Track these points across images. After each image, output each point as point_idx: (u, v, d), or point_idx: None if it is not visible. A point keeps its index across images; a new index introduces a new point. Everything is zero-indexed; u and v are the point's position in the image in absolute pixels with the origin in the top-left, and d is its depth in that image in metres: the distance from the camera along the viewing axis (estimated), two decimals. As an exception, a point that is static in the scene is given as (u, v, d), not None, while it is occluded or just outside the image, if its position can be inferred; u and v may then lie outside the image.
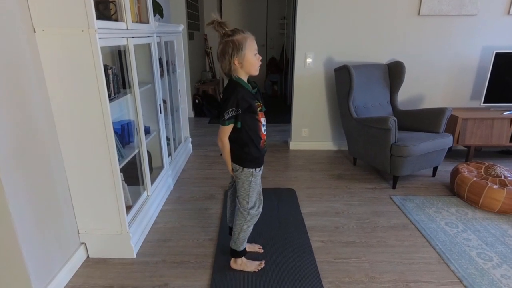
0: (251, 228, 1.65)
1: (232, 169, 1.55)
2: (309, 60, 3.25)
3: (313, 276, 1.66)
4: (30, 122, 1.38)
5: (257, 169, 1.55)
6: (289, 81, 5.45)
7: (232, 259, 1.71)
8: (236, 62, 1.37)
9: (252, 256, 1.78)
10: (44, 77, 1.45)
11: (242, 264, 1.70)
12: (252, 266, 1.70)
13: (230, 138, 1.48)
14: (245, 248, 1.69)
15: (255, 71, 1.42)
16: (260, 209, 1.65)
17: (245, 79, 1.43)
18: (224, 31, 1.35)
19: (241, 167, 1.51)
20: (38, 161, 1.43)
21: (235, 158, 1.51)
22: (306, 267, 1.72)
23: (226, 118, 1.39)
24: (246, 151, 1.48)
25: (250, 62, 1.38)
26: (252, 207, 1.60)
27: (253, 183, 1.55)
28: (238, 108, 1.38)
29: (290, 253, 1.83)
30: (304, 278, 1.64)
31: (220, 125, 1.43)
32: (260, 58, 1.42)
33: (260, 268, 1.70)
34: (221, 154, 1.55)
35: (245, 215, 1.60)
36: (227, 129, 1.44)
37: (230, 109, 1.37)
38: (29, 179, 1.37)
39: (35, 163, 1.41)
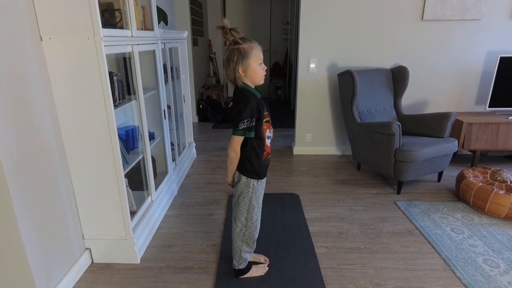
0: (253, 247, 1.64)
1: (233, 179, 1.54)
2: (312, 65, 3.25)
3: (317, 282, 1.65)
4: (36, 128, 1.40)
5: (258, 182, 1.51)
6: (292, 86, 5.47)
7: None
8: (240, 71, 1.36)
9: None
10: (50, 84, 1.47)
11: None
12: (258, 271, 1.70)
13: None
14: (248, 263, 1.69)
15: (260, 81, 1.41)
16: (258, 224, 1.61)
17: (252, 86, 1.42)
18: (231, 39, 1.34)
19: (240, 175, 1.49)
20: (44, 166, 1.45)
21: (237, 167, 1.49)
22: (310, 273, 1.71)
23: (241, 128, 1.36)
24: (247, 162, 1.46)
25: (254, 71, 1.37)
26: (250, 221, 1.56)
27: (254, 199, 1.52)
28: (253, 118, 1.37)
29: (294, 258, 1.83)
30: (308, 284, 1.63)
31: (234, 134, 1.39)
32: (265, 68, 1.41)
33: (265, 272, 1.70)
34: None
35: (243, 231, 1.57)
36: (241, 139, 1.41)
37: (246, 120, 1.35)
38: (35, 184, 1.39)
39: (40, 168, 1.43)
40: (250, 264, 1.70)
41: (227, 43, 1.37)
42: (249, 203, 1.53)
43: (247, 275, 1.68)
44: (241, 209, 1.55)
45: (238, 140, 1.41)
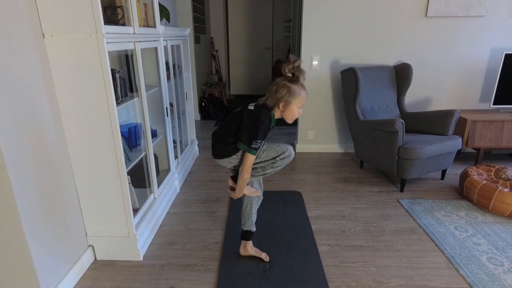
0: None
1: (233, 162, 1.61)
2: (315, 62, 3.24)
3: (319, 280, 1.64)
4: (38, 125, 1.40)
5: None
6: (295, 84, 5.44)
7: (243, 245, 1.80)
8: (280, 106, 1.48)
9: (255, 262, 1.78)
10: (52, 81, 1.47)
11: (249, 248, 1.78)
12: (261, 254, 1.78)
13: (228, 137, 1.54)
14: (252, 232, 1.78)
15: (290, 121, 1.55)
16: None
17: (276, 117, 1.54)
18: (288, 75, 1.47)
19: (233, 155, 1.57)
20: (47, 164, 1.45)
21: (231, 150, 1.56)
22: (313, 271, 1.71)
23: (253, 147, 1.47)
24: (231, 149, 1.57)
25: (291, 111, 1.50)
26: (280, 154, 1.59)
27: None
28: (262, 141, 1.50)
29: (296, 256, 1.82)
30: (310, 282, 1.63)
31: (242, 148, 1.51)
32: (301, 113, 1.54)
33: (266, 260, 1.78)
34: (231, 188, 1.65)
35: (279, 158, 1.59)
36: (253, 160, 1.52)
37: (260, 141, 1.48)
38: (38, 182, 1.39)
39: (43, 166, 1.43)
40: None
41: (283, 77, 1.49)
42: (261, 155, 1.57)
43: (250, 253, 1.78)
44: (265, 159, 1.59)
45: (251, 161, 1.52)
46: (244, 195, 1.67)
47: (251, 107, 1.53)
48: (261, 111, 1.50)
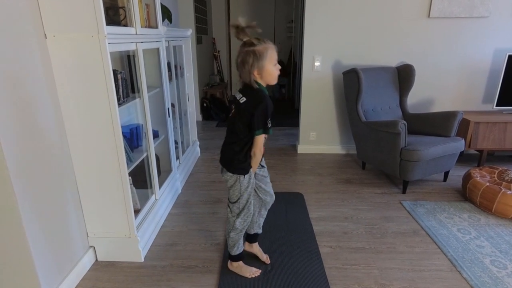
0: (240, 236, 1.65)
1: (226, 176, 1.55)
2: (317, 63, 3.23)
3: (321, 282, 1.63)
4: (40, 126, 1.40)
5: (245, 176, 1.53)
6: (297, 85, 5.44)
7: (229, 261, 1.73)
8: (255, 73, 1.36)
9: (257, 263, 1.78)
10: (54, 82, 1.47)
11: (237, 267, 1.70)
12: (246, 272, 1.68)
13: (234, 141, 1.47)
14: (240, 253, 1.69)
15: (273, 81, 1.41)
16: (249, 219, 1.62)
17: (264, 86, 1.43)
18: (245, 39, 1.34)
19: (232, 174, 1.51)
20: (48, 165, 1.45)
21: (229, 163, 1.51)
22: (314, 272, 1.70)
23: (269, 126, 1.40)
24: (240, 159, 1.48)
25: (269, 73, 1.37)
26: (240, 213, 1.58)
27: (244, 186, 1.54)
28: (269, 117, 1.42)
29: (298, 258, 1.81)
30: (312, 284, 1.62)
31: (259, 134, 1.41)
32: (279, 67, 1.41)
33: (252, 276, 1.67)
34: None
35: (231, 222, 1.61)
36: (263, 138, 1.45)
37: (269, 119, 1.39)
38: (39, 183, 1.39)
39: (45, 167, 1.43)
40: (241, 255, 1.70)
41: (242, 44, 1.36)
42: (241, 190, 1.54)
43: (236, 271, 1.69)
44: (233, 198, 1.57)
45: (262, 139, 1.44)
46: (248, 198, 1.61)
47: (243, 99, 1.41)
48: (255, 96, 1.38)
